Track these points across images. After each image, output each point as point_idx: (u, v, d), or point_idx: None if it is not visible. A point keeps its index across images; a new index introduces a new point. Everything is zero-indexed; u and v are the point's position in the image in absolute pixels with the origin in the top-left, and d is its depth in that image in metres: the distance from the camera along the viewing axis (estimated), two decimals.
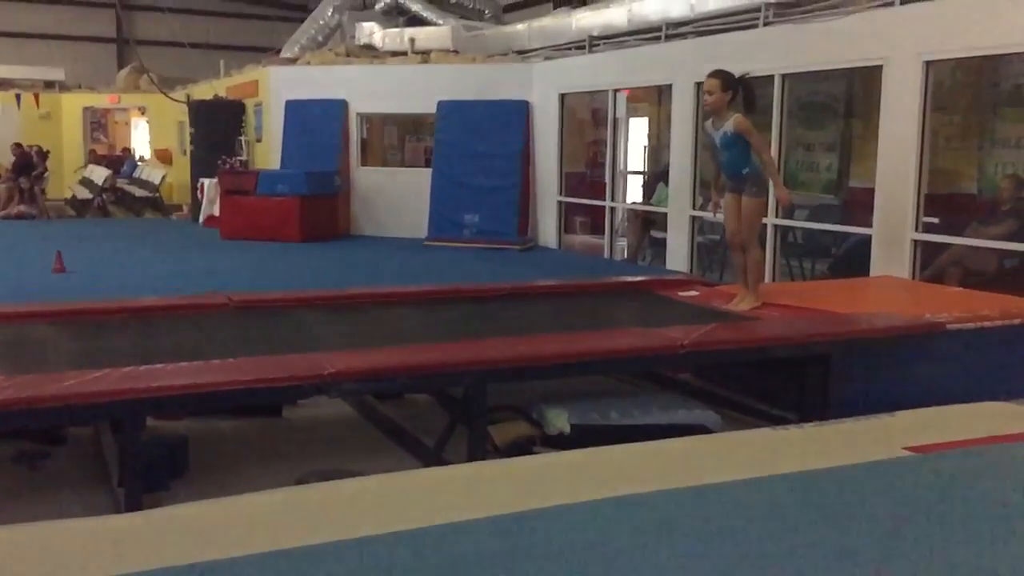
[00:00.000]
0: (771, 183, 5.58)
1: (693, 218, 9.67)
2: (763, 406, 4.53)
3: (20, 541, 2.34)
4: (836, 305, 5.03)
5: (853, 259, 7.99)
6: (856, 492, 2.85)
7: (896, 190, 7.29)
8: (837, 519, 2.62)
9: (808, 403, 4.32)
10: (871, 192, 7.65)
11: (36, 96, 20.84)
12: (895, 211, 7.30)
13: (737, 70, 5.24)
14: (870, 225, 7.60)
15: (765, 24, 8.70)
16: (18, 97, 20.65)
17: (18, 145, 17.50)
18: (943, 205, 7.74)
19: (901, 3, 7.34)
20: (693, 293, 5.73)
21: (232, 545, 2.29)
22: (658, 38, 10.30)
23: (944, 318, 4.59)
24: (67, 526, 2.52)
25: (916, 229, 7.19)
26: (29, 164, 16.78)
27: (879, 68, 7.43)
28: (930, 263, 7.29)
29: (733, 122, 5.12)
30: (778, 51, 8.41)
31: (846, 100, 9.38)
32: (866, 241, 7.64)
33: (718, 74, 5.19)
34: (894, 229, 7.30)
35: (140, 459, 3.29)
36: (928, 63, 7.01)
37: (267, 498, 2.75)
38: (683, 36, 9.98)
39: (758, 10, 8.82)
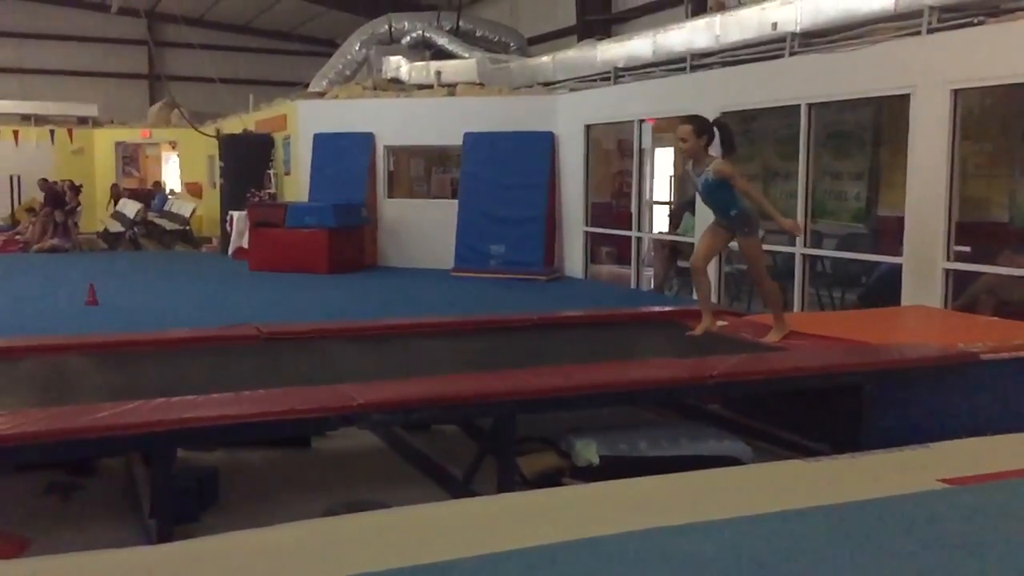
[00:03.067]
0: (771, 216, 5.43)
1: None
2: (795, 437, 4.48)
3: (54, 572, 2.36)
4: (868, 335, 4.98)
5: (884, 288, 7.91)
6: (891, 525, 2.81)
7: (926, 219, 7.23)
8: (872, 552, 2.58)
9: (840, 435, 4.26)
10: (901, 221, 7.59)
11: (70, 131, 21.24)
12: (926, 240, 7.23)
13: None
14: (900, 254, 7.53)
15: (791, 54, 8.71)
16: (52, 133, 21.06)
17: (45, 180, 17.81)
18: (974, 233, 7.65)
19: (928, 32, 7.32)
20: (722, 323, 5.69)
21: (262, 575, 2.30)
22: (683, 69, 10.33)
23: (978, 348, 4.52)
24: (100, 557, 2.54)
25: (948, 258, 7.12)
26: (59, 198, 17.06)
27: (907, 97, 7.40)
28: (962, 292, 7.20)
29: (713, 168, 5.10)
30: (804, 80, 8.41)
31: (873, 129, 9.35)
32: (896, 270, 7.57)
33: (690, 120, 5.21)
34: (925, 258, 7.23)
35: (171, 491, 3.30)
36: (956, 92, 6.98)
37: (296, 530, 2.76)
38: (708, 67, 10.01)
39: (784, 40, 8.83)
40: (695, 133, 5.13)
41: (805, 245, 8.44)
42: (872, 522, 2.84)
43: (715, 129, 5.21)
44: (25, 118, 21.37)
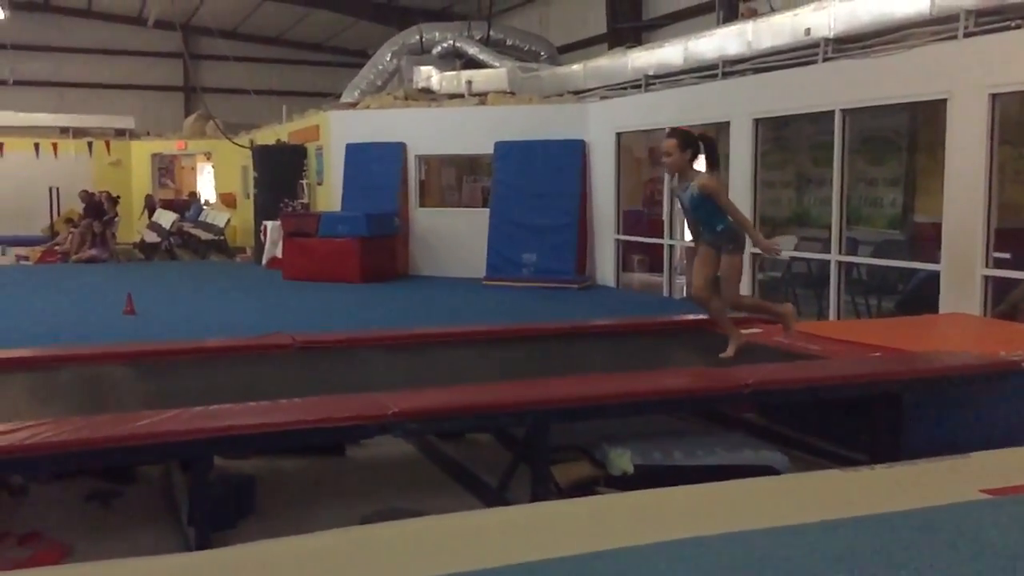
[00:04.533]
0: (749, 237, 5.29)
1: (754, 255, 9.58)
2: (832, 447, 4.43)
3: None
4: (906, 343, 4.91)
5: (921, 296, 7.81)
6: (932, 536, 2.77)
7: (964, 225, 7.13)
8: (912, 564, 2.54)
9: (879, 444, 4.21)
10: (938, 227, 7.49)
11: (107, 143, 21.60)
12: (964, 246, 7.13)
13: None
14: (938, 261, 7.43)
15: (825, 59, 8.65)
16: (90, 145, 21.42)
17: (86, 191, 18.11)
18: (1014, 239, 7.54)
19: (965, 36, 7.24)
20: (755, 331, 5.65)
21: None
22: (715, 76, 10.29)
23: (1019, 356, 4.45)
24: (140, 564, 2.56)
25: (986, 265, 7.01)
26: (99, 209, 17.34)
27: (944, 102, 7.31)
28: (1002, 299, 7.09)
29: (698, 183, 5.01)
30: (838, 86, 8.34)
31: (909, 134, 9.25)
32: (934, 277, 7.47)
33: (674, 134, 5.12)
34: (963, 265, 7.13)
35: (209, 498, 3.34)
36: (994, 96, 6.88)
37: (332, 537, 2.77)
38: (740, 73, 9.96)
39: (817, 45, 8.77)
40: (679, 147, 5.03)
41: (840, 252, 8.35)
42: (913, 533, 2.80)
43: (700, 143, 5.11)
44: (64, 131, 21.76)
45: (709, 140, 5.22)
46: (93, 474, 4.16)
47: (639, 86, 11.77)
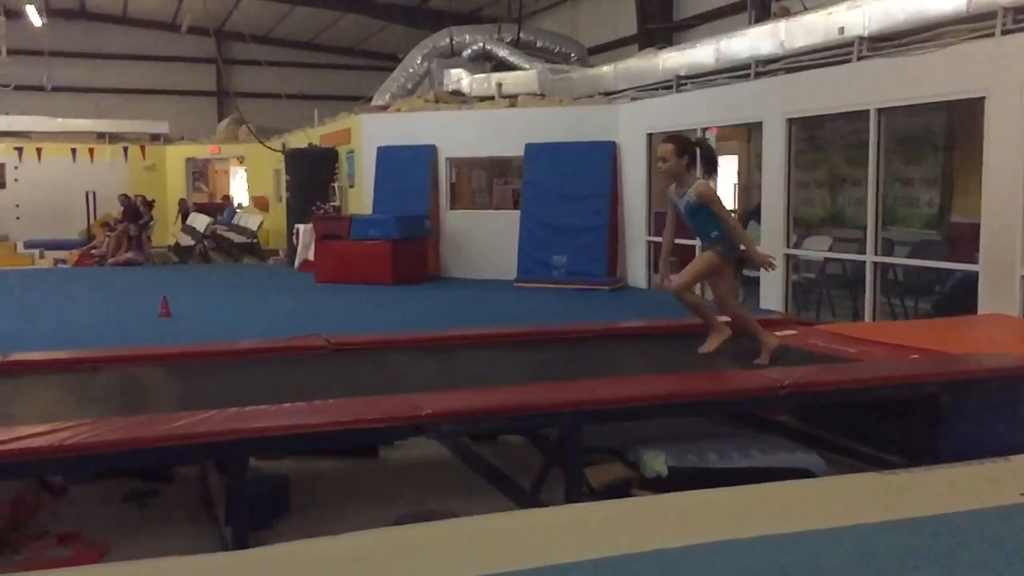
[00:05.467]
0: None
1: (788, 256, 9.50)
2: (869, 450, 4.38)
3: None
4: (943, 344, 4.85)
5: (958, 297, 7.70)
6: (972, 540, 2.73)
7: (1003, 224, 7.02)
8: (951, 568, 2.51)
9: (916, 447, 4.16)
10: (976, 227, 7.38)
11: (142, 148, 21.90)
12: (1003, 246, 7.02)
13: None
14: (975, 261, 7.33)
15: (859, 58, 8.56)
16: (126, 150, 21.73)
17: (125, 195, 18.38)
18: None
19: (1003, 33, 7.13)
20: (790, 333, 5.60)
21: None
22: (747, 76, 10.22)
23: None
24: (178, 563, 2.59)
25: None
26: (135, 212, 17.58)
27: (980, 100, 7.21)
28: None
29: (695, 189, 4.92)
30: (873, 85, 8.25)
31: (945, 133, 9.13)
32: (972, 278, 7.36)
33: (672, 139, 5.02)
34: (1002, 265, 7.01)
35: (246, 498, 3.37)
36: None
37: (368, 538, 2.79)
38: (773, 73, 9.89)
39: (851, 44, 8.68)
40: (676, 153, 4.94)
41: (876, 253, 8.25)
42: (952, 537, 2.76)
43: (697, 149, 5.04)
44: (100, 136, 22.11)
45: (706, 146, 5.17)
46: (131, 474, 4.21)
47: (670, 87, 11.72)
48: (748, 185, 12.30)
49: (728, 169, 12.86)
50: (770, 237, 9.68)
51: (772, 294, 9.61)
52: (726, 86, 10.62)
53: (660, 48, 13.21)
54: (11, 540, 3.55)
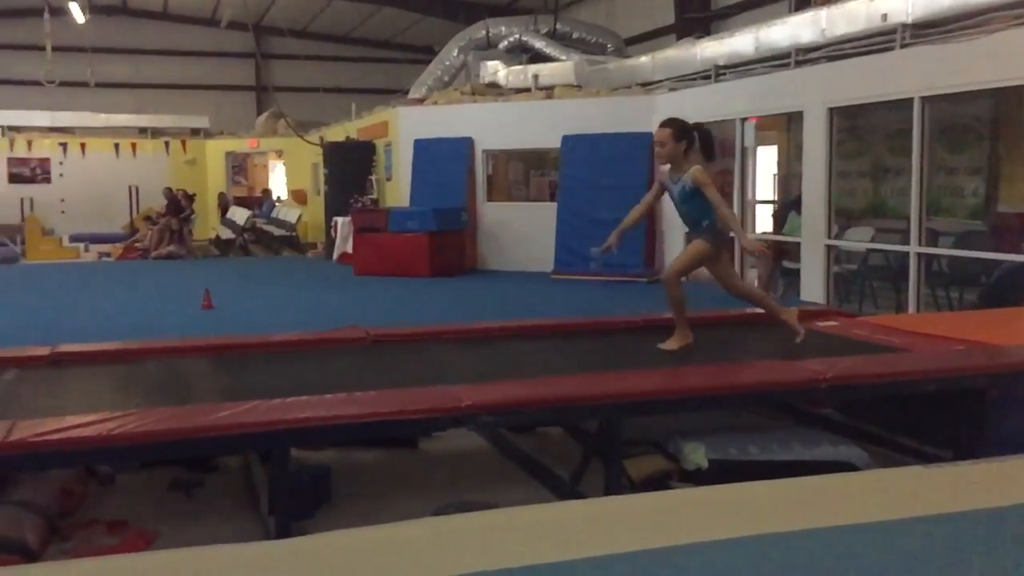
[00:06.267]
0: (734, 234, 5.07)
1: (828, 247, 9.39)
2: (913, 443, 4.32)
3: (183, 565, 2.46)
4: (990, 336, 4.76)
5: (1005, 288, 7.56)
6: (1017, 534, 2.69)
7: None
8: (997, 563, 2.47)
9: (962, 440, 4.10)
10: (1022, 217, 7.24)
11: (183, 143, 22.19)
12: None
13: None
14: (1022, 251, 7.19)
15: (902, 46, 8.42)
16: (167, 144, 22.03)
17: (169, 189, 18.64)
18: None
19: None
20: (832, 324, 5.54)
21: (379, 572, 2.35)
22: (787, 64, 10.10)
23: None
24: (224, 551, 2.63)
25: None
26: (178, 206, 17.82)
27: None
28: None
29: (691, 174, 4.82)
30: (917, 73, 8.11)
31: (991, 121, 8.95)
32: (1018, 269, 7.23)
33: (670, 123, 4.91)
34: None
35: (289, 488, 3.41)
36: None
37: (410, 528, 2.81)
38: (814, 61, 9.76)
39: (894, 32, 8.54)
40: (674, 137, 4.84)
41: (920, 243, 8.13)
42: (997, 531, 2.72)
43: (695, 134, 4.92)
44: (142, 131, 22.43)
45: (706, 132, 5.05)
46: (176, 464, 4.28)
47: (708, 77, 11.62)
48: (787, 175, 12.16)
49: (767, 159, 12.71)
50: (811, 228, 9.58)
51: (813, 286, 9.51)
52: (766, 75, 10.50)
53: (698, 38, 13.10)
54: (61, 528, 3.62)
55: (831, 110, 9.27)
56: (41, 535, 3.44)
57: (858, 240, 9.61)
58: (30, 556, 3.28)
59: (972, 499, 3.05)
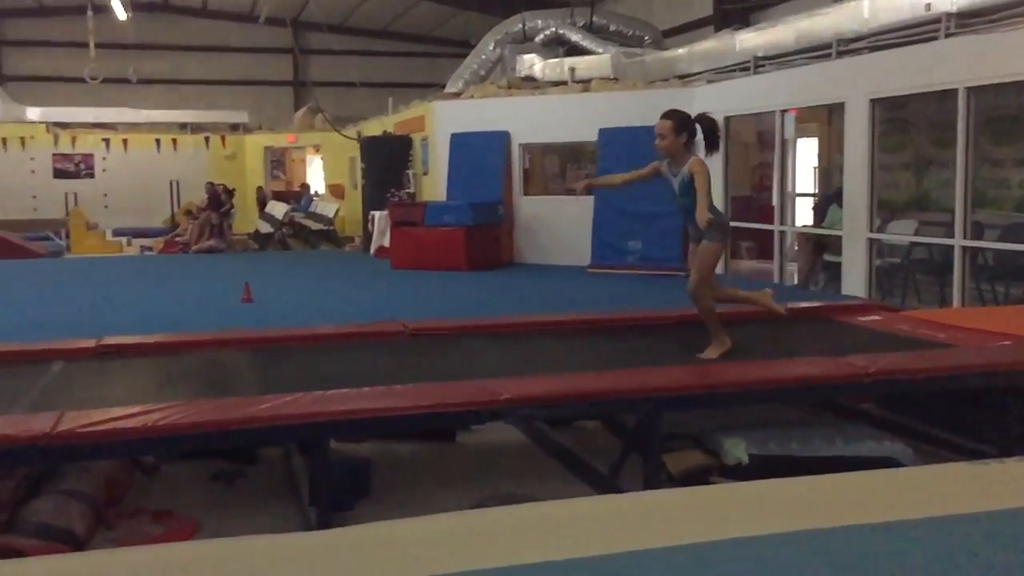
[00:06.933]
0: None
1: (871, 241, 9.26)
2: (959, 439, 4.25)
3: (226, 554, 2.49)
4: None
5: None
6: None
7: None
8: None
9: (1009, 436, 4.02)
10: None
11: (223, 138, 22.43)
12: None
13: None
14: None
15: (947, 35, 8.26)
16: (207, 140, 22.29)
17: (210, 183, 18.86)
18: None
19: None
20: (875, 318, 5.46)
21: (420, 564, 2.36)
22: (828, 55, 9.96)
23: None
24: (266, 541, 2.65)
25: None
26: (218, 201, 18.04)
27: None
28: None
29: (690, 165, 4.72)
30: (962, 63, 7.96)
31: None
32: None
33: (670, 115, 4.80)
34: None
35: (329, 480, 3.44)
36: None
37: (450, 520, 2.81)
38: (856, 52, 9.61)
39: (939, 21, 8.38)
40: (674, 129, 4.75)
41: (965, 236, 7.98)
42: None
43: (696, 126, 4.82)
44: (182, 126, 22.72)
45: (709, 122, 4.91)
46: (218, 455, 4.33)
47: (747, 69, 11.49)
48: (828, 168, 12.01)
49: (808, 152, 12.57)
50: (852, 221, 9.44)
51: (855, 279, 9.38)
52: (806, 66, 10.36)
53: (737, 29, 12.96)
54: (107, 516, 3.69)
55: (873, 101, 9.13)
56: (88, 524, 3.50)
57: (901, 233, 9.46)
58: (77, 544, 3.34)
59: (1019, 497, 2.99)
